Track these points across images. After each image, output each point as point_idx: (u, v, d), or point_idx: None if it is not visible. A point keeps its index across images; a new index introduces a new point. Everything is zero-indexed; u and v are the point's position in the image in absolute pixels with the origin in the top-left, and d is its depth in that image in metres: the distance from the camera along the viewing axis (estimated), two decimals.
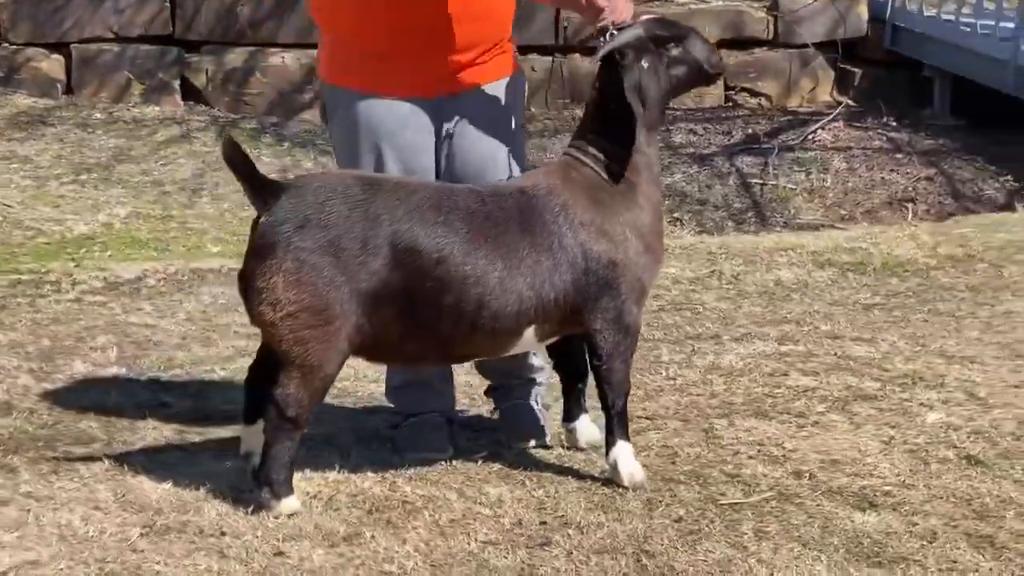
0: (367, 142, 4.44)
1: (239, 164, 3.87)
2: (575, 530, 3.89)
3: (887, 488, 4.21)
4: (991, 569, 3.75)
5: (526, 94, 4.64)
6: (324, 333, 3.82)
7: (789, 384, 5.13)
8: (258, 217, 3.90)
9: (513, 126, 4.50)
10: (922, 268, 7.20)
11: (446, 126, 4.47)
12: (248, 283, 3.89)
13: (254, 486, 4.03)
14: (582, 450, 4.45)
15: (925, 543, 3.86)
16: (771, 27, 12.36)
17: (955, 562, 3.77)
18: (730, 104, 12.20)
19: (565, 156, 4.19)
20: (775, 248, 7.59)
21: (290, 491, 3.93)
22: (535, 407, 4.59)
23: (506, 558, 3.72)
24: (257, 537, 3.80)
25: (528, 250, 3.96)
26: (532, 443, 4.51)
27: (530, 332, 4.03)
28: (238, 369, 5.44)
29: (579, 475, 4.28)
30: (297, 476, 4.07)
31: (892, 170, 11.00)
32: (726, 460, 4.39)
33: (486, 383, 4.76)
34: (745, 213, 10.51)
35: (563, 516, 3.98)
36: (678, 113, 11.91)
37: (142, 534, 3.81)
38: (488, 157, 4.46)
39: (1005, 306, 6.40)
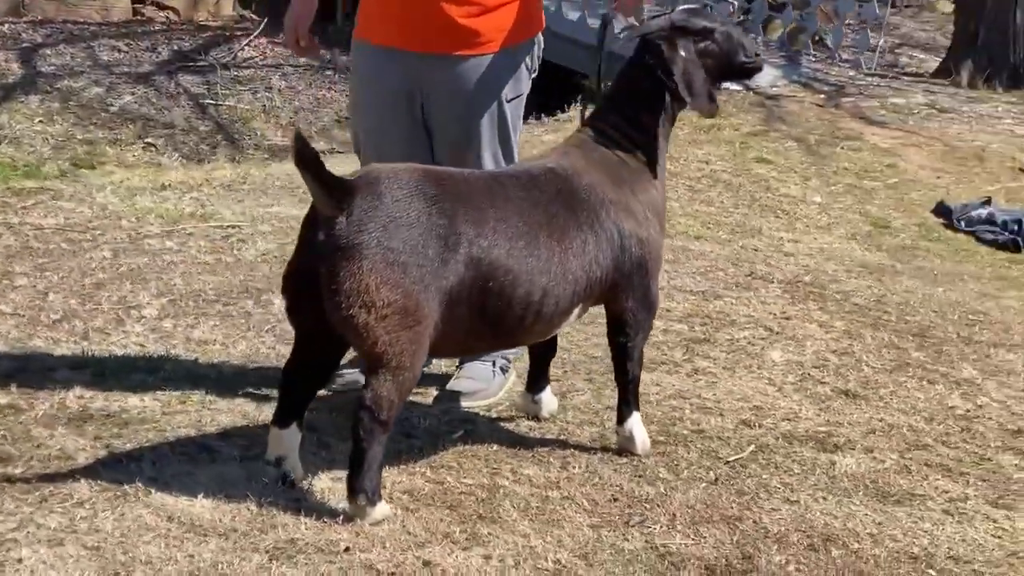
0: (355, 88, 4.52)
1: (311, 162, 3.65)
2: (651, 504, 4.05)
3: (823, 428, 4.69)
4: (975, 494, 4.34)
5: (537, 57, 4.62)
6: (415, 334, 3.71)
7: None
8: (321, 216, 3.69)
9: (500, 103, 4.48)
10: None
11: (423, 86, 4.44)
12: (325, 285, 3.69)
13: (285, 491, 3.90)
14: (543, 419, 4.57)
15: (911, 477, 4.40)
16: None
17: (947, 491, 4.34)
18: (140, 17, 11.88)
19: (580, 135, 4.26)
20: None
21: (380, 496, 3.83)
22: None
23: (627, 540, 3.84)
24: (387, 548, 3.67)
25: (576, 232, 4.00)
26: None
27: (576, 312, 4.12)
28: (44, 358, 4.97)
29: (581, 448, 4.41)
30: (328, 476, 4.02)
31: (329, 88, 11.26)
32: (676, 417, 4.67)
33: None
34: (215, 136, 10.38)
35: (621, 488, 4.13)
36: (93, 28, 11.54)
37: (272, 558, 3.58)
38: (464, 135, 4.48)
39: None
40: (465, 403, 4.62)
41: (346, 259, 3.60)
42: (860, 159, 9.33)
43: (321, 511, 3.82)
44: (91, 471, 4.02)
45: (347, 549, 3.65)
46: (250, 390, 4.72)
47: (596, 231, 4.03)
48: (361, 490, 3.75)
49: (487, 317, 3.86)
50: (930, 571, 3.84)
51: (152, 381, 4.75)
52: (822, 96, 10.88)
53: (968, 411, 4.99)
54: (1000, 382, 5.33)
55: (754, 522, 4.01)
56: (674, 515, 4.00)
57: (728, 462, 4.37)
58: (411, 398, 4.66)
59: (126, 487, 3.91)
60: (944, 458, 4.55)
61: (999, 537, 4.09)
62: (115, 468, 4.06)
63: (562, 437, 4.46)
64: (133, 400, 4.60)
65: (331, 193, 3.64)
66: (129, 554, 3.55)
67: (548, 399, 4.54)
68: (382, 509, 3.79)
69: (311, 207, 3.75)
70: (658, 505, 4.05)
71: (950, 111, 11.66)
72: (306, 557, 3.59)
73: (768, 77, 11.03)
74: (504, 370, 4.72)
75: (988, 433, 4.82)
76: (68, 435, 4.32)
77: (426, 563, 3.62)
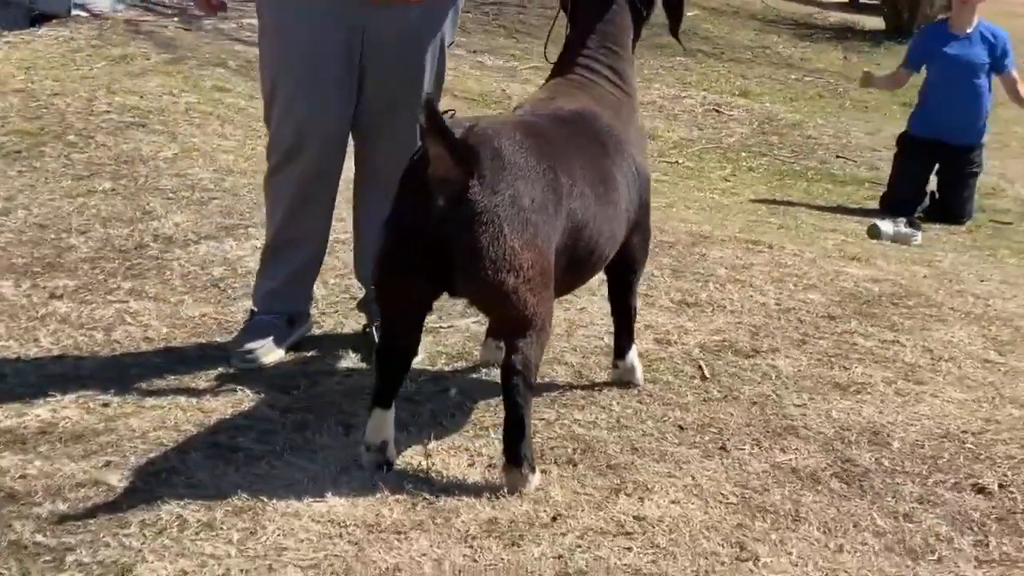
0: (275, 40, 4.17)
1: (440, 128, 3.28)
2: (715, 429, 3.98)
3: (718, 337, 4.75)
4: (892, 377, 4.57)
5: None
6: (551, 291, 3.49)
7: None
8: (438, 180, 3.32)
9: (441, 48, 4.24)
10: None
11: (367, 34, 4.12)
12: (463, 254, 3.34)
13: (379, 473, 3.55)
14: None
15: (834, 370, 4.56)
16: None
17: (873, 376, 4.55)
18: None
19: (576, 76, 4.06)
20: None
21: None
22: None
23: (748, 464, 3.74)
24: (587, 511, 3.39)
25: (617, 175, 3.87)
26: None
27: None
28: None
29: (581, 387, 4.25)
30: (410, 451, 3.70)
31: None
32: (602, 347, 4.49)
33: None
34: None
35: (668, 417, 4.04)
36: None
37: (511, 543, 3.23)
38: (408, 82, 4.18)
39: None
40: None
41: (485, 223, 3.32)
42: None
43: (464, 488, 3.50)
44: (150, 493, 3.43)
45: (554, 519, 3.36)
46: (153, 380, 4.19)
47: (626, 172, 3.93)
48: (524, 458, 3.48)
49: (572, 265, 3.69)
50: (966, 446, 4.06)
51: (18, 390, 4.07)
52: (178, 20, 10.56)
53: (778, 304, 5.23)
54: (744, 279, 5.56)
55: (805, 427, 4.06)
56: (746, 435, 3.97)
57: (705, 379, 4.36)
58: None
59: (231, 500, 3.36)
60: (828, 348, 4.77)
61: (960, 408, 4.37)
62: (170, 484, 3.50)
63: (547, 379, 4.26)
64: (42, 412, 3.94)
65: (459, 157, 3.30)
66: (366, 565, 3.05)
67: None
68: (538, 476, 3.52)
69: (413, 172, 3.40)
70: (721, 428, 4.01)
71: None
72: (531, 535, 3.29)
73: None
74: None
75: (818, 322, 5.08)
76: (35, 459, 3.64)
77: (637, 518, 3.42)
